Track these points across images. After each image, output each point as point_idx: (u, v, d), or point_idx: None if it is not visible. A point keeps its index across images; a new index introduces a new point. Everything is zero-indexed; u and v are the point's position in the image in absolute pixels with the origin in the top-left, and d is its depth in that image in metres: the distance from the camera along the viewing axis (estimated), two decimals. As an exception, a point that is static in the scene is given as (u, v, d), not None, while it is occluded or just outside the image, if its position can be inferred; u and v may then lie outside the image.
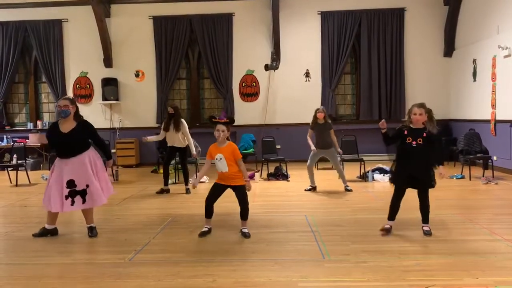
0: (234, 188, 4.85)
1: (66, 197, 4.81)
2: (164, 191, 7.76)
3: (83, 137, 4.94)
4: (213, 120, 4.86)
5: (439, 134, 10.80)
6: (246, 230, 4.93)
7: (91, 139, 5.05)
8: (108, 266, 4.02)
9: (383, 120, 4.84)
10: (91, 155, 4.99)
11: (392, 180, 4.93)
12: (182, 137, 7.67)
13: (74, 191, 4.84)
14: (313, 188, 7.68)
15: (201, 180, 8.72)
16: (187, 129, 7.68)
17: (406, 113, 4.85)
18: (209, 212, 4.95)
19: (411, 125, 4.72)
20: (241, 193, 4.86)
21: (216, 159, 4.78)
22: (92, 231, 5.04)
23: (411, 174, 4.68)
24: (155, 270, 3.87)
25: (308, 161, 7.65)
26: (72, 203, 4.84)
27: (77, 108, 5.02)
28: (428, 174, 4.69)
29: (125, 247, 4.56)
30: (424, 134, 4.63)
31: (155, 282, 3.61)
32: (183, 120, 7.71)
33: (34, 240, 4.92)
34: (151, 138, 7.91)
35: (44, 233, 5.04)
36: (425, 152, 4.64)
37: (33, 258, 4.33)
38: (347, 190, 7.52)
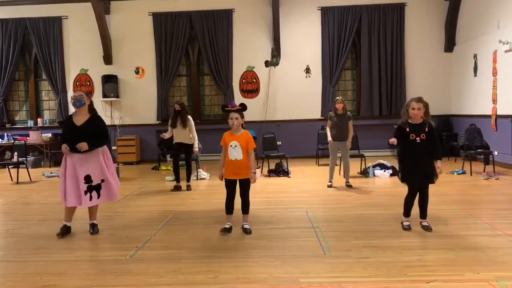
0: (240, 180, 4.83)
1: (85, 192, 4.83)
2: (177, 188, 7.74)
3: (96, 131, 4.91)
4: (226, 109, 4.85)
5: (436, 127, 10.89)
6: (247, 226, 4.93)
7: (100, 133, 4.97)
8: (109, 262, 4.03)
9: (393, 139, 4.73)
10: (104, 150, 5.02)
11: (403, 180, 4.80)
12: (189, 133, 7.64)
13: (91, 186, 4.86)
14: (331, 185, 7.58)
15: (201, 177, 8.79)
16: (193, 125, 7.67)
17: (404, 107, 4.76)
18: (229, 207, 4.90)
19: (409, 121, 4.69)
20: (245, 186, 4.85)
21: (231, 146, 4.77)
22: (94, 228, 5.05)
23: (419, 171, 4.64)
24: (156, 267, 3.88)
25: (330, 157, 7.56)
26: (91, 198, 4.87)
27: (91, 101, 5.04)
28: (432, 169, 4.66)
29: (126, 244, 4.57)
30: (426, 129, 4.61)
31: (156, 279, 3.61)
32: (189, 117, 7.71)
33: (36, 237, 4.93)
34: (168, 134, 7.77)
35: (65, 231, 5.00)
36: (428, 147, 4.61)
37: (34, 255, 4.34)
38: (347, 186, 7.52)
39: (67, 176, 4.87)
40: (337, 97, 7.57)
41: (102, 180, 4.91)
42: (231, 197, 4.90)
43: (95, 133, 4.90)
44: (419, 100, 4.64)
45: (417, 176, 4.67)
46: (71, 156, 4.87)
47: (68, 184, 4.84)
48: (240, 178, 4.82)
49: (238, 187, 4.90)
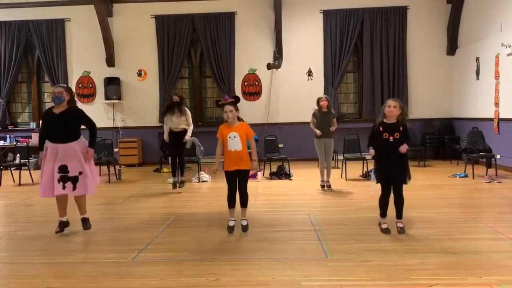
0: (239, 172, 4.85)
1: (58, 181, 4.87)
2: (175, 184, 7.73)
3: (75, 120, 4.95)
4: (219, 103, 4.95)
5: (438, 130, 10.78)
6: (245, 223, 4.96)
7: (83, 122, 5.01)
8: (111, 265, 4.03)
9: (372, 151, 4.79)
10: (81, 144, 5.03)
11: (378, 180, 4.87)
12: (185, 122, 7.66)
13: (66, 177, 4.88)
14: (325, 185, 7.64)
15: (203, 179, 8.78)
16: (190, 116, 7.72)
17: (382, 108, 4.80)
18: (231, 201, 4.94)
19: (385, 120, 4.72)
20: (244, 177, 4.90)
21: (230, 137, 4.82)
22: (86, 223, 5.08)
23: (392, 168, 4.67)
24: (158, 269, 3.87)
25: (319, 156, 7.64)
26: (64, 187, 4.89)
27: (72, 96, 5.05)
28: (404, 169, 4.69)
29: (128, 246, 4.57)
30: (401, 128, 4.64)
31: (158, 281, 3.61)
32: (186, 108, 7.75)
33: (37, 239, 4.93)
34: (166, 136, 7.77)
35: (62, 226, 5.07)
36: (401, 146, 4.63)
37: (36, 257, 4.34)
38: (327, 186, 7.56)
39: (44, 168, 4.92)
40: (321, 96, 7.75)
41: (80, 173, 4.92)
42: (233, 190, 4.93)
43: (77, 123, 4.96)
44: (396, 99, 4.73)
45: (388, 172, 4.70)
46: (52, 147, 4.91)
47: (44, 174, 4.89)
48: (241, 168, 4.84)
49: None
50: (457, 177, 8.54)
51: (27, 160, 9.74)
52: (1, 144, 11.78)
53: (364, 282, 3.49)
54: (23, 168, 9.34)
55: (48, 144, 4.96)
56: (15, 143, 10.89)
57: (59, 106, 4.95)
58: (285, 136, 11.34)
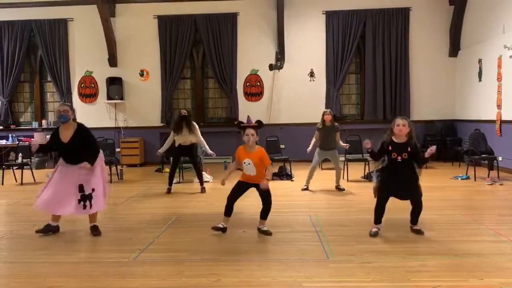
0: (258, 186, 4.82)
1: (79, 201, 4.88)
2: (169, 191, 7.78)
3: (83, 145, 4.93)
4: (242, 125, 4.92)
5: (440, 132, 10.76)
6: (266, 228, 4.92)
7: (89, 146, 4.98)
8: (112, 265, 4.03)
9: (367, 140, 4.82)
10: (99, 160, 5.03)
11: (379, 189, 4.90)
12: (194, 137, 7.74)
13: (84, 195, 4.90)
14: (306, 188, 7.72)
15: (205, 180, 8.78)
16: (198, 130, 7.80)
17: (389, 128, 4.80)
18: (229, 209, 4.92)
19: (393, 139, 4.70)
20: (265, 192, 4.83)
21: (244, 163, 4.82)
22: (96, 230, 5.06)
23: (397, 187, 4.68)
24: (160, 269, 3.88)
25: (313, 162, 7.68)
26: (84, 207, 4.90)
27: (74, 114, 5.05)
28: (416, 186, 4.69)
29: (129, 246, 4.58)
30: (409, 149, 4.62)
31: (159, 281, 3.62)
32: (194, 123, 7.80)
33: (39, 238, 4.94)
34: (164, 149, 7.86)
35: (47, 229, 5.06)
36: (409, 166, 4.65)
37: (38, 256, 4.35)
38: (338, 189, 7.60)
39: (58, 184, 4.90)
40: (326, 110, 7.80)
41: (93, 190, 4.92)
42: (233, 197, 4.90)
43: (84, 146, 4.92)
44: (404, 117, 4.72)
45: (393, 186, 4.70)
46: (65, 166, 4.95)
47: (63, 192, 4.86)
48: (250, 182, 4.87)
49: (245, 193, 4.98)
50: (459, 179, 8.53)
51: (29, 160, 9.76)
52: (3, 143, 11.80)
53: (365, 284, 3.49)
54: (25, 167, 9.35)
55: (61, 161, 5.00)
56: (17, 142, 10.91)
57: (65, 127, 4.95)
58: (286, 137, 11.33)
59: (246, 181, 4.90)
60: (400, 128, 4.63)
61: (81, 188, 4.88)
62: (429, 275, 3.62)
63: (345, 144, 7.83)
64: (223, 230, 4.94)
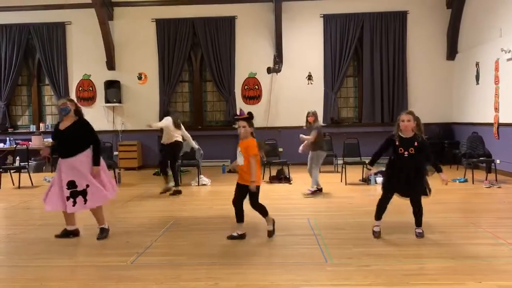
0: (242, 186, 4.82)
1: (68, 198, 4.84)
2: (177, 192, 7.80)
3: (79, 135, 4.94)
4: (235, 117, 5.01)
5: (438, 135, 10.78)
6: (270, 228, 4.93)
7: (86, 136, 4.98)
8: (110, 268, 4.02)
9: (371, 170, 4.99)
10: (88, 156, 4.97)
11: (383, 187, 4.91)
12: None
13: (75, 192, 4.86)
14: (318, 190, 7.64)
15: (203, 183, 8.78)
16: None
17: (396, 122, 4.80)
18: (239, 215, 4.87)
19: (400, 134, 4.70)
20: (251, 194, 4.80)
21: (238, 152, 4.86)
22: (102, 233, 5.04)
23: (403, 183, 4.66)
24: (157, 273, 3.87)
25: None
26: (74, 203, 4.86)
27: (77, 106, 5.09)
28: (421, 183, 4.68)
29: (127, 250, 4.56)
30: (416, 143, 4.61)
31: (157, 285, 3.60)
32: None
33: (36, 242, 4.93)
34: (154, 124, 8.37)
35: (66, 234, 5.06)
36: (416, 161, 4.62)
37: (35, 260, 4.33)
38: (309, 192, 7.51)
39: (53, 182, 4.96)
40: (309, 111, 7.78)
41: (87, 186, 4.89)
42: (235, 202, 4.87)
43: (82, 138, 4.93)
44: (409, 112, 4.72)
45: (398, 183, 4.68)
46: (60, 162, 4.96)
47: (53, 190, 4.91)
48: (243, 183, 4.82)
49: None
50: (457, 182, 8.53)
51: (26, 163, 9.74)
52: (1, 146, 11.78)
53: (363, 287, 3.49)
54: (22, 171, 9.34)
55: (59, 160, 5.02)
56: (15, 146, 10.89)
57: (67, 118, 4.98)
58: (285, 140, 11.32)
59: (239, 182, 4.88)
60: (405, 124, 4.64)
61: (71, 184, 4.83)
62: (427, 278, 3.62)
63: (306, 137, 7.62)
64: (241, 237, 4.87)
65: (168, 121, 7.89)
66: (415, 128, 4.66)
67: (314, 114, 7.65)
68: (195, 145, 8.41)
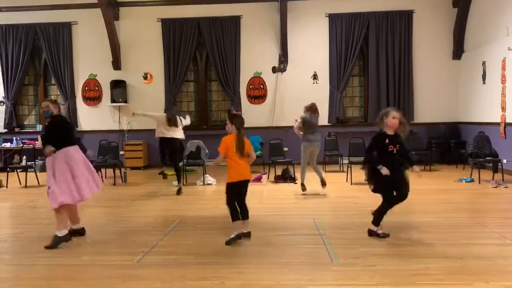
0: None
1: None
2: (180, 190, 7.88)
3: (46, 134, 5.03)
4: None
5: (444, 134, 10.67)
6: (232, 236, 4.70)
7: (48, 136, 4.98)
8: (116, 267, 4.04)
9: (385, 170, 4.72)
10: (53, 158, 4.87)
11: (380, 190, 4.78)
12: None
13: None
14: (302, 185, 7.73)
15: (208, 182, 8.79)
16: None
17: (379, 117, 4.83)
18: (234, 214, 4.83)
19: (386, 131, 4.69)
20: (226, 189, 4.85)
21: None
22: (51, 240, 4.74)
23: (400, 182, 4.64)
24: (163, 272, 3.88)
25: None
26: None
27: (60, 109, 5.15)
28: (407, 181, 4.69)
29: (133, 249, 4.58)
30: (399, 140, 4.67)
31: (162, 284, 3.61)
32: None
33: (43, 241, 4.92)
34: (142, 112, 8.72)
35: (72, 233, 5.04)
36: (400, 157, 4.66)
37: (41, 259, 4.36)
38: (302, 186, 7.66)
39: (73, 174, 4.90)
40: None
41: (48, 188, 4.90)
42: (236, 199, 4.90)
43: (50, 136, 4.98)
44: (398, 110, 4.79)
45: (394, 183, 4.63)
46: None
47: (80, 178, 4.89)
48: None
49: (246, 196, 5.02)
50: (463, 181, 8.49)
51: (33, 162, 9.79)
52: (8, 146, 11.86)
53: (369, 287, 3.48)
54: (29, 170, 9.39)
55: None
56: (21, 145, 10.95)
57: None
58: (290, 140, 11.30)
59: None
60: (396, 122, 4.67)
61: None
62: (433, 278, 3.60)
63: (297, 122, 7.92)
64: (238, 237, 4.73)
65: (159, 114, 8.19)
66: (399, 127, 4.70)
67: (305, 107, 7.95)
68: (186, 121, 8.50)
